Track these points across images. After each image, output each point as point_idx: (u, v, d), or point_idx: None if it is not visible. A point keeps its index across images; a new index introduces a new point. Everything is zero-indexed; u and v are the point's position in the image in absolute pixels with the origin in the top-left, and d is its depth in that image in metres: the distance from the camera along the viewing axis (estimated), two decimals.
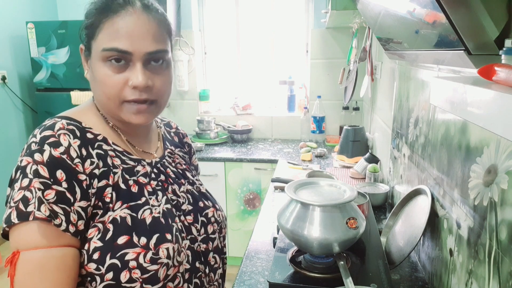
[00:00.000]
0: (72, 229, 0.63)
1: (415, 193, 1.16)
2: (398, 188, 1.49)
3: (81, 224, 0.64)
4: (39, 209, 0.60)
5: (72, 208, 0.63)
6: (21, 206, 0.60)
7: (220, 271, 0.86)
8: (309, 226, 0.85)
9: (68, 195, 0.63)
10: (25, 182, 0.61)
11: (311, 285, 0.85)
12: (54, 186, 0.61)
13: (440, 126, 0.99)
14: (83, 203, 0.64)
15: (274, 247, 1.03)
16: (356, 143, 2.18)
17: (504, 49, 0.48)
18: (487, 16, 0.53)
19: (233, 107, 3.08)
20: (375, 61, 2.14)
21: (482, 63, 0.53)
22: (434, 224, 1.02)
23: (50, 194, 0.61)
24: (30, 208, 0.60)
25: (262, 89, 3.17)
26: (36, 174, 0.61)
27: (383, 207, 1.61)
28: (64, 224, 0.62)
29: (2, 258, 2.83)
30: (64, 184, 0.62)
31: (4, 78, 3.02)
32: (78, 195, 0.64)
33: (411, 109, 1.31)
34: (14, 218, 0.60)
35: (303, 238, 0.85)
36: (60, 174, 0.62)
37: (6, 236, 0.64)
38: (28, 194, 0.60)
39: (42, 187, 0.61)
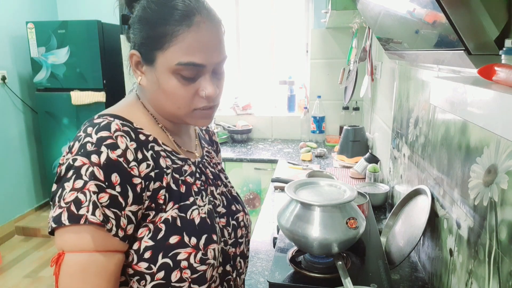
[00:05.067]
0: (121, 233, 0.62)
1: (415, 193, 1.16)
2: (398, 188, 1.49)
3: (130, 228, 0.63)
4: (93, 214, 0.59)
5: (123, 212, 0.62)
6: (72, 208, 0.59)
7: (243, 276, 0.86)
8: (309, 226, 0.85)
9: (120, 199, 0.61)
10: (79, 183, 0.60)
11: (311, 285, 0.85)
12: (108, 190, 0.60)
13: (440, 126, 0.99)
14: (134, 207, 0.63)
15: (274, 247, 1.03)
16: (356, 143, 2.18)
17: (504, 49, 0.48)
18: (487, 16, 0.53)
19: (233, 107, 3.08)
20: (375, 61, 2.14)
21: (482, 63, 0.53)
22: (434, 224, 1.02)
23: (104, 198, 0.60)
24: (82, 211, 0.59)
25: (262, 89, 3.17)
26: (92, 176, 0.60)
27: (383, 207, 1.61)
28: (114, 229, 0.61)
29: (2, 258, 2.83)
30: (118, 188, 0.61)
31: (4, 78, 3.02)
32: (130, 200, 0.62)
33: (411, 109, 1.31)
34: (65, 220, 0.59)
35: (303, 238, 0.85)
36: (115, 177, 0.61)
37: (52, 233, 0.63)
38: (81, 196, 0.59)
39: (97, 190, 0.59)
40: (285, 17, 3.01)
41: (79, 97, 2.95)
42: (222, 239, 0.76)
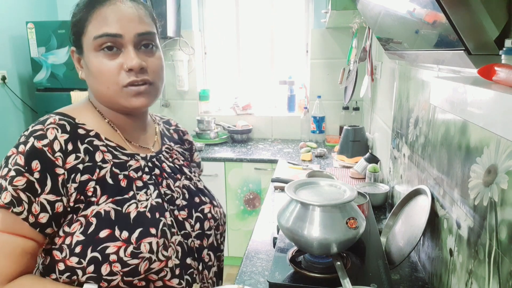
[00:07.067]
0: (31, 219, 0.64)
1: (415, 193, 1.16)
2: (398, 188, 1.49)
3: (43, 217, 0.65)
4: (0, 197, 0.63)
5: (37, 199, 0.64)
6: None
7: (214, 269, 0.86)
8: (309, 226, 0.85)
9: (37, 185, 0.64)
10: (4, 171, 0.65)
11: (311, 285, 0.85)
12: (26, 174, 0.64)
13: (440, 126, 0.99)
14: (51, 197, 0.65)
15: (274, 247, 1.03)
16: (356, 143, 2.18)
17: (504, 49, 0.48)
18: (487, 16, 0.53)
19: (233, 107, 3.08)
20: (375, 61, 2.14)
21: (482, 63, 0.53)
22: (434, 224, 1.02)
23: (20, 181, 0.63)
24: None
25: (262, 89, 3.16)
26: (15, 164, 0.64)
27: (383, 207, 1.61)
28: (25, 213, 0.64)
29: None
30: (36, 175, 0.64)
31: (4, 78, 3.02)
32: (48, 188, 0.65)
33: (411, 109, 1.31)
34: None
35: (303, 238, 0.85)
36: (35, 164, 0.65)
37: None
38: (4, 182, 0.64)
39: (14, 174, 0.63)
40: (285, 17, 3.01)
41: (79, 97, 2.94)
42: (181, 232, 0.77)
